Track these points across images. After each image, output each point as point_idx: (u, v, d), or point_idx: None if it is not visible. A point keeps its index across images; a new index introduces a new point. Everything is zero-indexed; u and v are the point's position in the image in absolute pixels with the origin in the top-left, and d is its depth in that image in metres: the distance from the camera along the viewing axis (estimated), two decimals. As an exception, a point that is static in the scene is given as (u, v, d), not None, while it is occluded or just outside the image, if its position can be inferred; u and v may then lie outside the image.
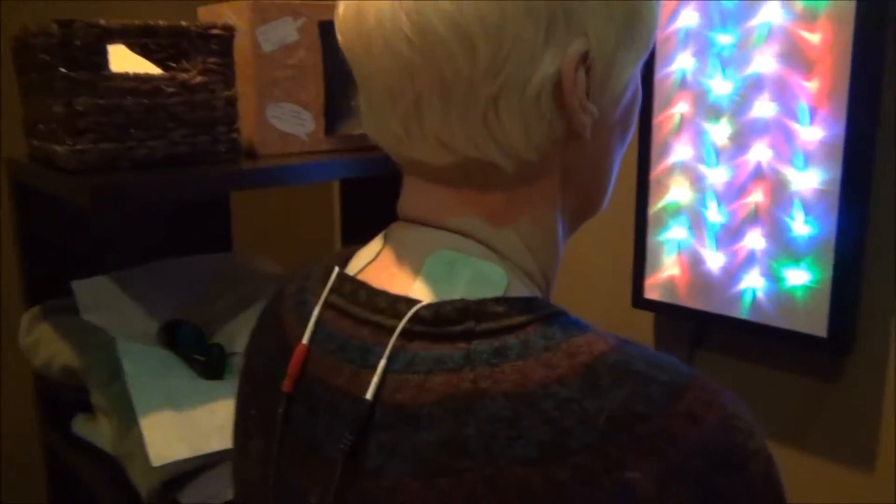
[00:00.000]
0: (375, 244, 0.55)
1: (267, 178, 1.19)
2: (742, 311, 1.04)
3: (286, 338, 0.54)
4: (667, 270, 1.12)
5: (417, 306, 0.47)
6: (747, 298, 1.04)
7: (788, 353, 1.06)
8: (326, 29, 1.29)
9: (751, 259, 1.03)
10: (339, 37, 0.54)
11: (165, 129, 1.10)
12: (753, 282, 1.03)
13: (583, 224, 0.58)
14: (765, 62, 0.99)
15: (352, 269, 0.55)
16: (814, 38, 0.94)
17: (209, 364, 1.16)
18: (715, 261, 1.07)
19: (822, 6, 0.93)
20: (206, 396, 1.07)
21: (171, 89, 1.10)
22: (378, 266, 0.53)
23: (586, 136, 0.50)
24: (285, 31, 1.26)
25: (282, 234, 1.67)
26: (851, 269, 0.95)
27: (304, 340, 0.51)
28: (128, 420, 1.01)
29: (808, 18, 0.94)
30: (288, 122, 1.29)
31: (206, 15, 1.32)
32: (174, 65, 1.15)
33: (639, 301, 1.15)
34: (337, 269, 0.54)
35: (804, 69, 0.95)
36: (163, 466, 0.95)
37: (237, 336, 1.26)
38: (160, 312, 1.29)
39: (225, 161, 1.15)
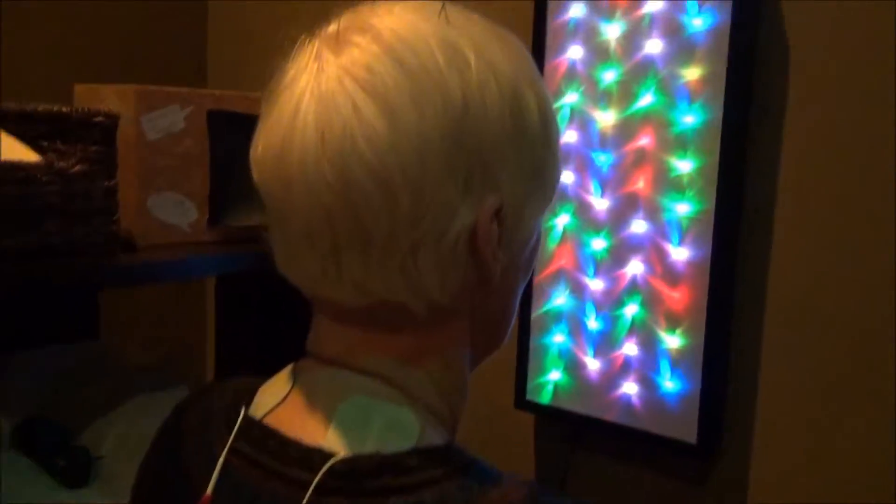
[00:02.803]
0: (283, 383, 0.54)
1: (141, 275, 1.14)
2: (618, 416, 1.09)
3: (188, 482, 0.52)
4: (548, 374, 1.16)
5: (332, 460, 0.47)
6: (623, 403, 1.09)
7: (661, 456, 1.11)
8: (215, 118, 1.27)
9: (627, 366, 1.08)
10: (254, 173, 0.54)
11: (39, 220, 1.04)
12: (629, 388, 1.08)
13: (487, 358, 0.60)
14: (639, 183, 1.06)
15: (258, 409, 0.53)
16: (683, 164, 1.03)
17: (72, 470, 1.08)
18: (593, 366, 1.12)
19: (691, 135, 1.02)
20: (69, 509, 1.00)
21: (46, 178, 1.05)
22: (288, 409, 0.52)
23: (496, 282, 0.52)
24: (172, 119, 1.24)
25: (153, 323, 1.60)
26: (719, 379, 1.02)
27: (209, 490, 0.50)
28: (-23, 540, 0.92)
29: (679, 145, 1.03)
30: (170, 212, 1.25)
31: (84, 93, 1.27)
32: (46, 143, 1.09)
33: (521, 402, 1.18)
34: (244, 410, 0.53)
35: (675, 192, 1.03)
36: None
37: (105, 437, 1.18)
38: (16, 409, 1.19)
39: (101, 253, 1.10)
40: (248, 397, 0.55)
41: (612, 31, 1.08)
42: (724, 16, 0.98)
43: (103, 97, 1.23)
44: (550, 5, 1.13)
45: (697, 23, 1.00)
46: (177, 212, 1.26)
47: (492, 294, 0.54)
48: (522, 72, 0.54)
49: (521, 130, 0.52)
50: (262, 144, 0.52)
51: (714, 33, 0.99)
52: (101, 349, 1.38)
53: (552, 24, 1.13)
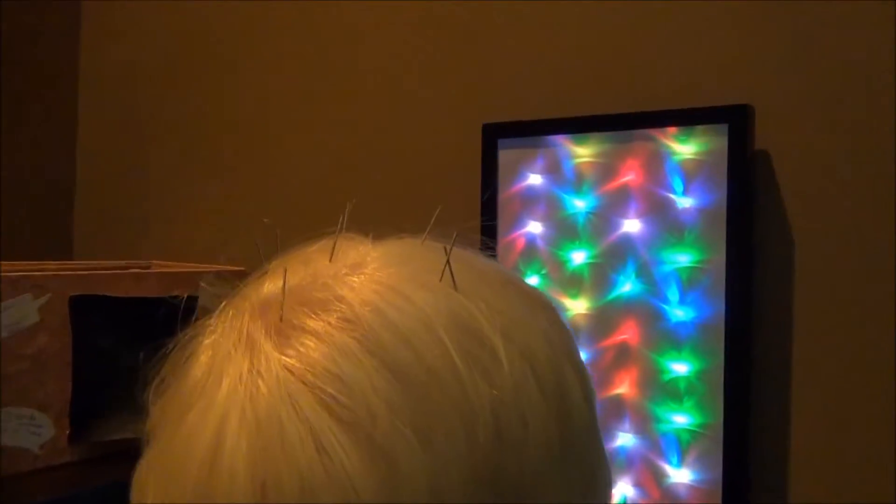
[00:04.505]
0: None
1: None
2: None
3: None
4: None
5: None
6: None
7: None
8: (80, 305, 1.00)
9: None
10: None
11: None
12: None
13: None
14: (623, 386, 0.88)
15: None
16: (678, 366, 0.86)
17: None
18: None
19: (686, 332, 0.85)
20: None
21: None
22: None
23: None
24: (22, 312, 0.96)
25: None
26: None
27: None
28: None
29: (670, 343, 0.86)
30: (15, 433, 0.95)
31: None
32: None
33: None
34: None
35: (671, 399, 0.86)
36: None
37: None
38: None
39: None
40: None
41: (579, 206, 0.92)
42: (717, 195, 0.84)
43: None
44: (502, 171, 0.96)
45: (685, 203, 0.86)
46: (25, 431, 0.96)
47: None
48: (560, 341, 0.36)
49: (570, 439, 0.34)
50: (155, 496, 0.31)
51: (707, 215, 0.84)
52: None
53: (504, 194, 0.96)
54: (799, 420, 0.85)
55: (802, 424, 0.85)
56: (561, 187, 0.93)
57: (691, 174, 0.85)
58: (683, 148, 0.86)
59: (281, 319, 0.32)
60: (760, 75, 0.86)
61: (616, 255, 0.89)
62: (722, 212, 0.83)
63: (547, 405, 0.33)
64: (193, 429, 0.30)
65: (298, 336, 0.31)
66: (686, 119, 0.85)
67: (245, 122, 1.29)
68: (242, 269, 1.22)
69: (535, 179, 0.95)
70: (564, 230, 0.93)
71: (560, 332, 0.38)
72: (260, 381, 0.30)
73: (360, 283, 0.33)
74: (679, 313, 0.86)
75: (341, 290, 0.32)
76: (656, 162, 0.87)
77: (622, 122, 0.88)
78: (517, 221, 0.95)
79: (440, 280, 0.34)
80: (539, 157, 0.94)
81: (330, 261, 0.35)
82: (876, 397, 0.81)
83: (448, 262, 0.34)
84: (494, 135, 0.97)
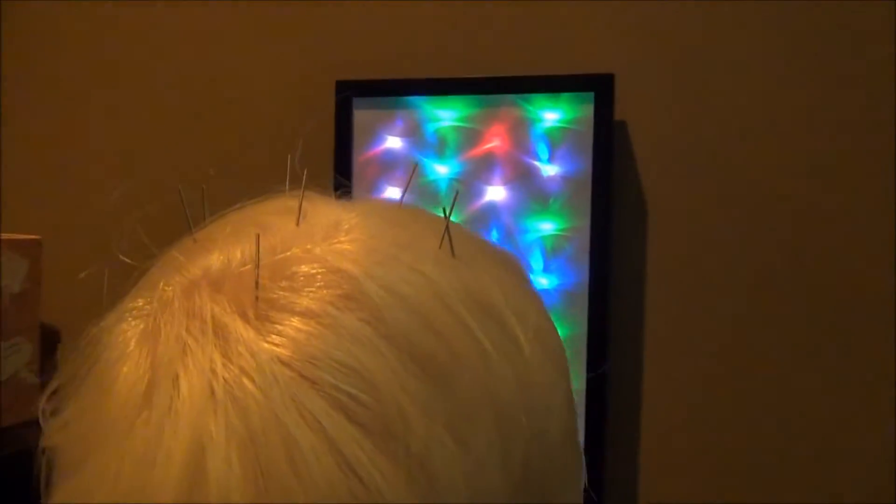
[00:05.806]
0: None
1: None
2: None
3: None
4: None
5: None
6: None
7: None
8: None
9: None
10: None
11: None
12: None
13: None
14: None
15: None
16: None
17: None
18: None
19: (549, 299, 0.85)
20: None
21: None
22: None
23: None
24: None
25: None
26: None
27: None
28: None
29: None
30: None
31: None
32: None
33: None
34: None
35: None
36: None
37: None
38: None
39: None
40: None
41: (441, 172, 0.88)
42: (582, 163, 0.84)
43: None
44: (357, 132, 0.90)
45: (550, 170, 0.85)
46: None
47: None
48: (548, 312, 0.33)
49: (574, 418, 0.32)
50: None
51: (571, 183, 0.85)
52: None
53: (361, 158, 0.90)
54: (651, 387, 0.88)
55: (655, 392, 0.88)
56: (422, 152, 0.89)
57: (556, 142, 0.85)
58: (549, 115, 0.85)
59: (257, 299, 0.25)
60: (620, 46, 0.87)
61: (480, 223, 0.87)
62: (586, 180, 0.84)
63: (560, 387, 0.30)
64: (148, 449, 0.22)
65: (287, 319, 0.24)
66: (552, 86, 0.84)
67: (53, 69, 1.11)
68: (37, 237, 1.06)
69: (393, 143, 0.90)
70: (425, 197, 0.89)
71: (543, 302, 0.35)
72: (245, 380, 0.23)
73: (354, 250, 0.27)
74: (543, 281, 0.86)
75: (335, 261, 0.26)
76: (522, 128, 0.86)
77: (486, 86, 0.86)
78: (374, 187, 0.90)
79: (440, 247, 0.29)
80: (398, 118, 0.89)
81: (297, 224, 0.28)
82: (727, 356, 0.86)
83: (447, 227, 0.29)
84: (349, 93, 0.90)
